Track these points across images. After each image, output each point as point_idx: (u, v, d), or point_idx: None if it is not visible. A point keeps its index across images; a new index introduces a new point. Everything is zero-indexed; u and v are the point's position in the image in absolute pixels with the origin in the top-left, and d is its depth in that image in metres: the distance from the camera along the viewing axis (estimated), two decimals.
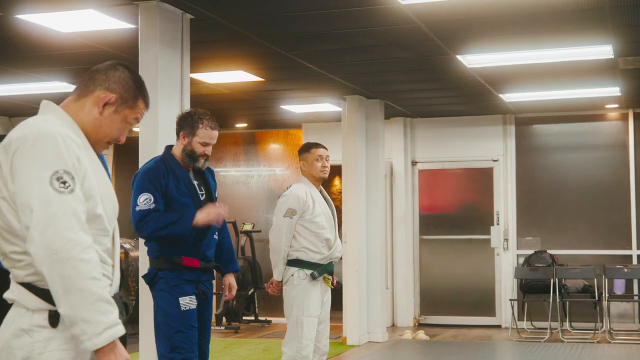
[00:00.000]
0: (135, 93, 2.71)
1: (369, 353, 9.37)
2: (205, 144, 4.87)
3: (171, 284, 4.80)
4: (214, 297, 8.97)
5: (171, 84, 6.19)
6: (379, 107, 10.56)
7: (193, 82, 8.69)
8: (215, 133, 4.91)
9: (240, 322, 11.55)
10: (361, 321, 10.07)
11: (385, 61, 8.17)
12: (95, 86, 2.66)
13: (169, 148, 5.01)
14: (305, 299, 5.60)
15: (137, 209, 4.77)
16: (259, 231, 12.08)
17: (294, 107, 10.82)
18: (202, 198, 4.94)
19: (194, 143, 4.86)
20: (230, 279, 5.17)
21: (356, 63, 8.25)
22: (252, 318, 11.79)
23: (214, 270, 5.09)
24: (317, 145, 5.89)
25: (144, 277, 5.01)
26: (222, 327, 11.23)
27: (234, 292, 5.17)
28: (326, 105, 10.62)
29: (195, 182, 4.96)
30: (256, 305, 11.83)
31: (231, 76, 8.63)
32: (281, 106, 10.72)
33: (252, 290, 11.60)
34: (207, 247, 4.92)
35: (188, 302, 4.80)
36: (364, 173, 10.29)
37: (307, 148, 5.89)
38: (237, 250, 11.94)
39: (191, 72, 7.97)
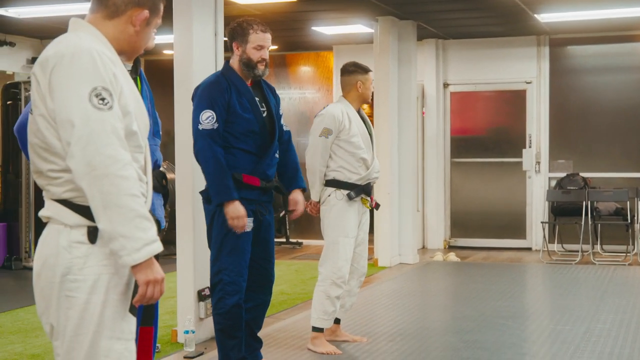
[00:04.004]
0: (158, 0, 2.72)
1: (400, 274, 9.44)
2: (259, 47, 4.72)
3: None
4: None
5: (205, 4, 6.14)
6: (411, 29, 10.40)
7: (224, 3, 8.59)
8: (268, 35, 4.77)
9: None
10: (392, 243, 10.11)
11: None
12: (125, 5, 2.64)
13: (228, 62, 4.86)
14: (342, 220, 5.58)
15: (200, 127, 4.62)
16: None
17: (326, 29, 10.69)
18: (263, 115, 4.79)
19: (249, 50, 4.71)
20: (296, 195, 4.97)
21: None
22: (284, 240, 11.90)
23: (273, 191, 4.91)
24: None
25: (202, 192, 4.83)
26: None
27: (300, 208, 4.97)
28: (358, 27, 10.47)
29: (257, 99, 4.80)
30: (287, 228, 11.92)
31: None
32: (312, 27, 10.60)
33: (282, 212, 11.66)
34: (268, 166, 4.78)
35: None
36: (395, 95, 10.20)
37: (365, 70, 5.82)
38: None
39: None
